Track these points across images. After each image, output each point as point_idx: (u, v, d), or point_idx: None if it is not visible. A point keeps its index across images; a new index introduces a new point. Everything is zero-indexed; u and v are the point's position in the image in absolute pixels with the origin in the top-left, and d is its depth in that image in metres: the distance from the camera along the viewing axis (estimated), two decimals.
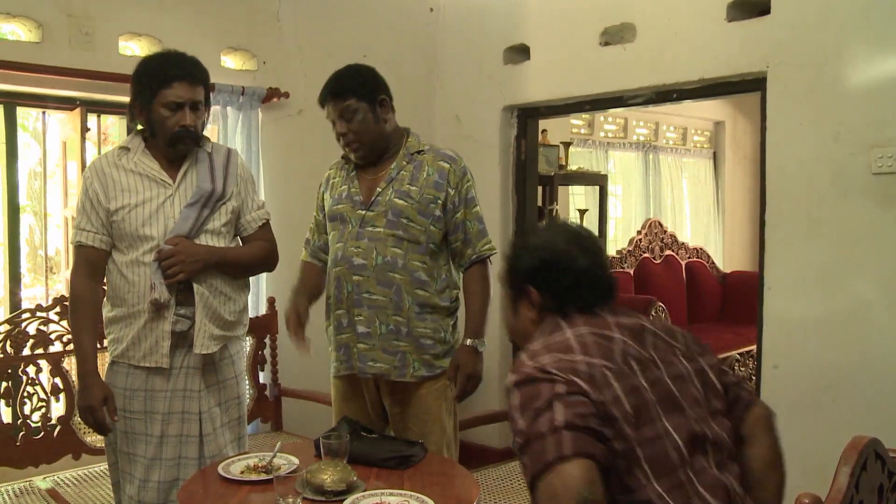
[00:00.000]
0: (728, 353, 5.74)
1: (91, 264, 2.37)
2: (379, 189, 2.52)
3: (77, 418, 3.16)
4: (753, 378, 3.61)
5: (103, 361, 3.12)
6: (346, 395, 2.66)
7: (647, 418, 1.42)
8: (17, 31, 3.27)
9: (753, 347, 4.44)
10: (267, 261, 2.59)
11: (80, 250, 2.37)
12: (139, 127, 2.44)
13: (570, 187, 5.57)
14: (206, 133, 2.53)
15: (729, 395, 1.62)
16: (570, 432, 1.32)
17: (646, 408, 1.43)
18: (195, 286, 2.32)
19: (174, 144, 2.35)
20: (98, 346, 3.21)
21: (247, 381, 3.52)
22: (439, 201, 2.50)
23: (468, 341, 2.54)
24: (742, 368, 5.86)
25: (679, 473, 1.42)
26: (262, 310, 3.81)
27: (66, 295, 3.23)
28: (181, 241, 2.30)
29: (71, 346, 3.17)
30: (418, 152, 2.56)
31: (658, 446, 1.41)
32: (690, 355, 1.60)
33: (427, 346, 2.51)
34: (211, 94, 3.49)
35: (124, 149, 2.43)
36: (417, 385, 2.53)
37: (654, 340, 1.55)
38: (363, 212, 2.52)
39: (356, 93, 2.48)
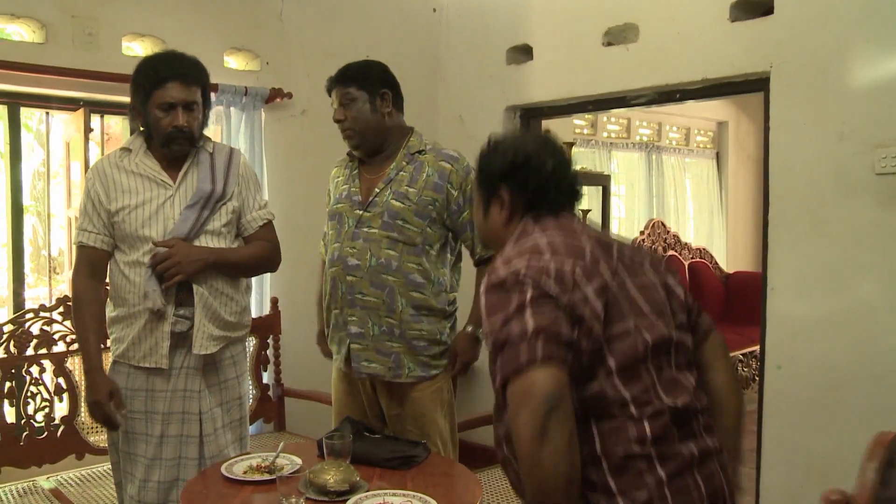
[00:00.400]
0: (731, 354, 5.73)
1: (92, 264, 2.38)
2: (377, 190, 2.52)
3: (80, 418, 3.17)
4: (757, 378, 3.61)
5: (106, 361, 3.12)
6: (345, 394, 2.66)
7: (618, 315, 1.50)
8: (21, 32, 3.28)
9: (756, 348, 4.44)
10: (268, 261, 2.57)
11: (82, 251, 2.38)
12: (141, 128, 2.45)
13: None
14: (209, 133, 2.53)
15: (690, 318, 1.70)
16: (542, 339, 1.39)
17: (616, 305, 1.50)
18: (195, 287, 2.32)
19: (168, 145, 2.36)
20: (101, 345, 3.23)
21: (249, 382, 3.52)
22: (437, 203, 2.49)
23: (469, 328, 2.56)
24: (745, 369, 5.86)
25: (641, 369, 1.50)
26: (266, 310, 3.81)
27: (69, 295, 3.24)
28: (177, 242, 2.30)
29: (74, 346, 3.18)
30: (419, 152, 2.55)
31: (626, 342, 1.49)
32: (657, 269, 1.67)
33: (420, 348, 2.51)
34: (214, 95, 3.53)
35: (126, 150, 2.43)
36: (413, 387, 2.52)
37: (620, 253, 1.61)
38: (360, 212, 2.52)
39: (357, 81, 2.51)
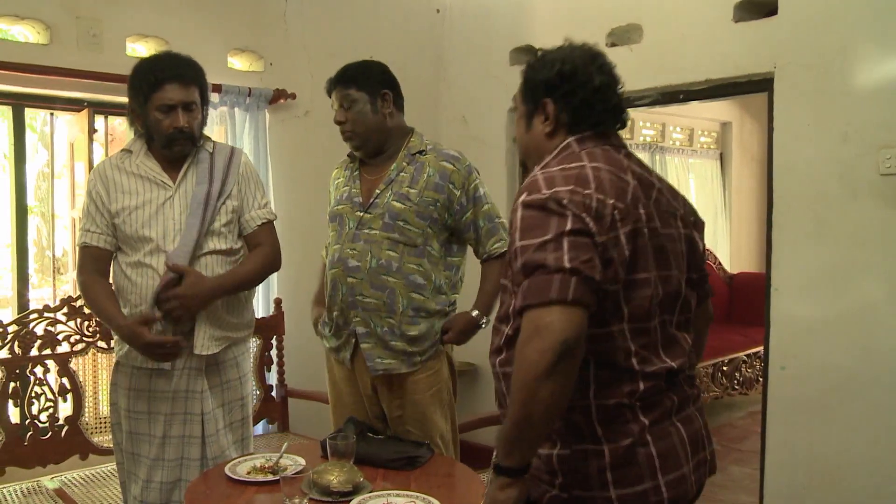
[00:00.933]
0: (735, 355, 5.73)
1: (96, 263, 2.38)
2: (378, 191, 2.51)
3: (84, 418, 3.18)
4: (761, 379, 3.60)
5: (110, 362, 3.13)
6: (347, 395, 2.64)
7: (642, 264, 1.50)
8: (26, 33, 3.28)
9: (760, 348, 4.42)
10: (270, 267, 2.54)
11: (86, 251, 2.38)
12: (140, 130, 2.45)
13: None
14: (213, 134, 2.53)
15: (701, 280, 1.72)
16: (576, 280, 1.37)
17: (643, 254, 1.50)
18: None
19: (169, 146, 2.36)
20: (105, 346, 3.23)
21: (253, 382, 3.52)
22: (439, 203, 2.48)
23: (475, 313, 2.54)
24: (749, 370, 5.85)
25: (649, 323, 1.52)
26: (270, 310, 3.81)
27: (73, 296, 3.25)
28: (191, 278, 2.28)
29: (78, 347, 3.18)
30: (420, 153, 2.54)
31: (643, 292, 1.50)
32: (686, 221, 1.67)
33: (417, 344, 2.50)
34: (217, 96, 3.54)
35: (127, 151, 2.44)
36: (414, 388, 2.51)
37: (659, 195, 1.60)
38: (361, 213, 2.51)
39: (358, 83, 2.50)
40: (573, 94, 1.62)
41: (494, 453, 1.46)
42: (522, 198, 1.49)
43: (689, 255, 1.65)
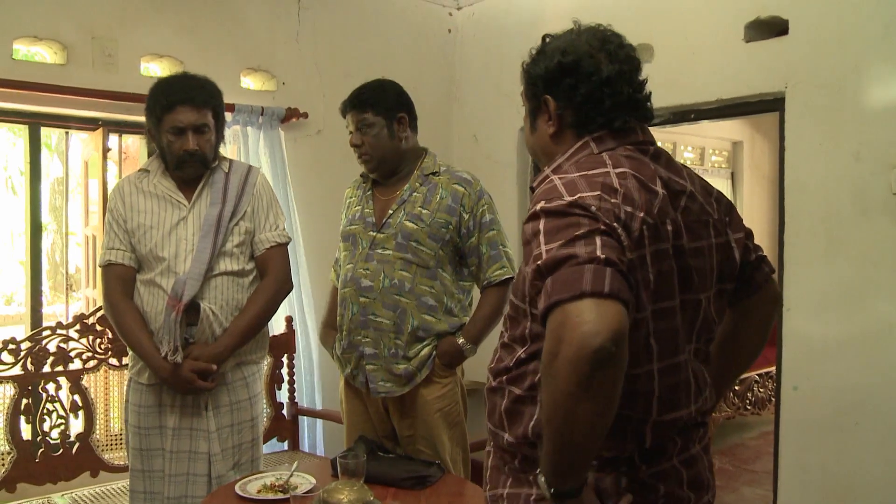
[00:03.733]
0: (747, 374, 5.69)
1: (122, 282, 2.38)
2: (390, 211, 2.51)
3: (95, 435, 3.18)
4: (773, 399, 3.58)
5: (122, 380, 3.14)
6: (358, 413, 2.64)
7: (667, 292, 1.31)
8: (43, 53, 3.33)
9: (773, 368, 4.39)
10: (279, 297, 2.51)
11: (111, 269, 2.38)
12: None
13: None
14: (226, 152, 2.55)
15: (744, 274, 1.53)
16: (612, 269, 1.14)
17: (668, 278, 1.31)
18: (202, 306, 2.33)
19: (180, 168, 2.38)
20: (117, 363, 3.25)
21: (264, 402, 3.52)
22: (451, 226, 2.48)
23: (461, 340, 2.49)
24: (761, 390, 5.81)
25: (677, 357, 1.34)
26: (281, 329, 3.82)
27: (86, 312, 3.26)
28: (195, 353, 2.31)
29: (90, 364, 3.19)
30: (433, 174, 2.55)
31: (667, 324, 1.31)
32: (721, 228, 1.46)
33: (419, 366, 2.48)
34: (230, 114, 3.57)
35: (144, 171, 2.47)
36: (425, 407, 2.50)
37: (688, 203, 1.39)
38: (374, 233, 2.51)
39: (374, 107, 2.50)
40: (576, 88, 1.39)
41: (541, 477, 1.25)
42: (541, 205, 1.27)
43: (723, 264, 1.45)
